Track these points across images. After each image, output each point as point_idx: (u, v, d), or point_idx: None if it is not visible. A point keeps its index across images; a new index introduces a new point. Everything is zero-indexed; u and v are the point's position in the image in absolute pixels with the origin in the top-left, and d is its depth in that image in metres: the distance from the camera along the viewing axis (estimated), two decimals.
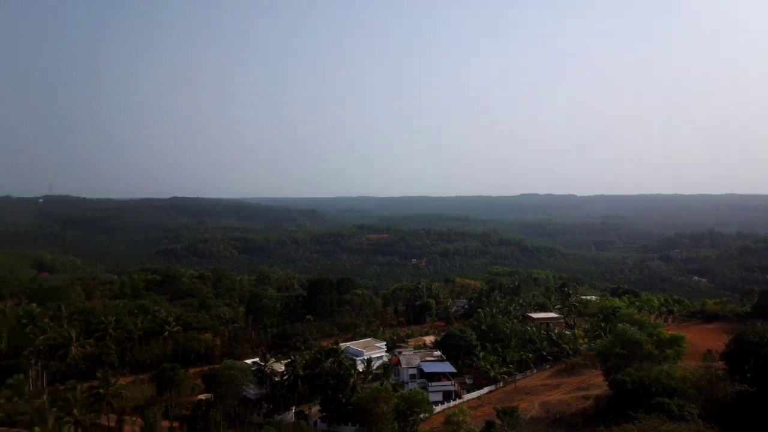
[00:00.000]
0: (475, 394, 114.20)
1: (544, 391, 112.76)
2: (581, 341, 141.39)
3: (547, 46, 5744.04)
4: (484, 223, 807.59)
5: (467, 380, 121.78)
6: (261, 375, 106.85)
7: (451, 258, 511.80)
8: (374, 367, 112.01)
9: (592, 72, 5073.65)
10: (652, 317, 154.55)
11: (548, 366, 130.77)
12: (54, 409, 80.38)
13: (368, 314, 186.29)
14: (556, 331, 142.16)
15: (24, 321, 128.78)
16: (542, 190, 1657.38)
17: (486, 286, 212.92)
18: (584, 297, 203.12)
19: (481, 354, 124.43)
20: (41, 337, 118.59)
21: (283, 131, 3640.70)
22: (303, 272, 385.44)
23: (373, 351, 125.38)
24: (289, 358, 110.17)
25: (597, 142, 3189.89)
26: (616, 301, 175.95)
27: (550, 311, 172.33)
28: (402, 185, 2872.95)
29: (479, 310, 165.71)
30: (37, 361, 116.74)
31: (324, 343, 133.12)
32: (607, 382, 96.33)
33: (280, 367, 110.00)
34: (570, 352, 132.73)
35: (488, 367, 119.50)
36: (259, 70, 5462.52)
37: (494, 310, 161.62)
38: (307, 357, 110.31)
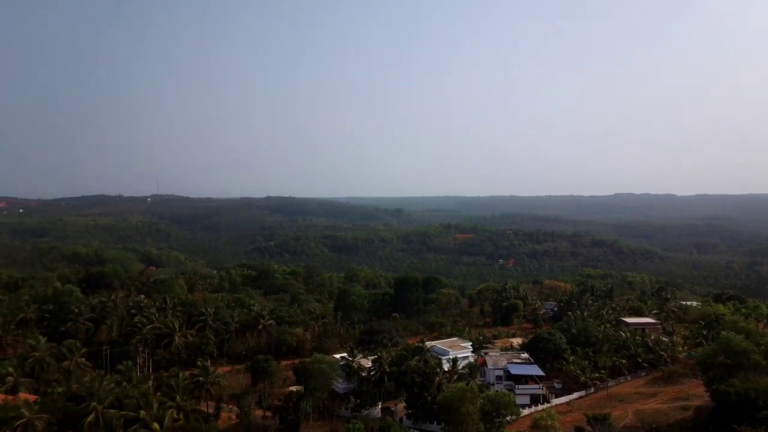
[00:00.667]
0: (564, 399, 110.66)
1: (638, 400, 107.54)
2: (680, 349, 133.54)
3: (653, 38, 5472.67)
4: (575, 224, 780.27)
5: (556, 384, 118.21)
6: (349, 370, 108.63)
7: (540, 259, 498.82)
8: (460, 367, 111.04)
9: (694, 64, 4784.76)
10: (760, 325, 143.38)
11: (643, 373, 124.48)
12: (158, 394, 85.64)
13: (454, 314, 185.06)
14: (652, 337, 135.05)
15: (133, 311, 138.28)
16: (638, 189, 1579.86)
17: (577, 289, 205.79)
18: (684, 302, 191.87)
19: (571, 358, 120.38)
20: (148, 327, 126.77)
21: (371, 133, 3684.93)
22: (390, 270, 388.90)
23: (458, 351, 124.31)
24: (376, 354, 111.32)
25: (699, 138, 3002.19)
26: (720, 308, 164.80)
27: (646, 316, 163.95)
28: (489, 185, 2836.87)
29: (569, 313, 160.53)
30: (144, 349, 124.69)
31: (410, 341, 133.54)
32: (708, 393, 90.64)
33: (367, 362, 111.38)
34: (667, 359, 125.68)
35: (578, 372, 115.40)
36: (358, 71, 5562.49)
37: (585, 314, 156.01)
38: (394, 354, 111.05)
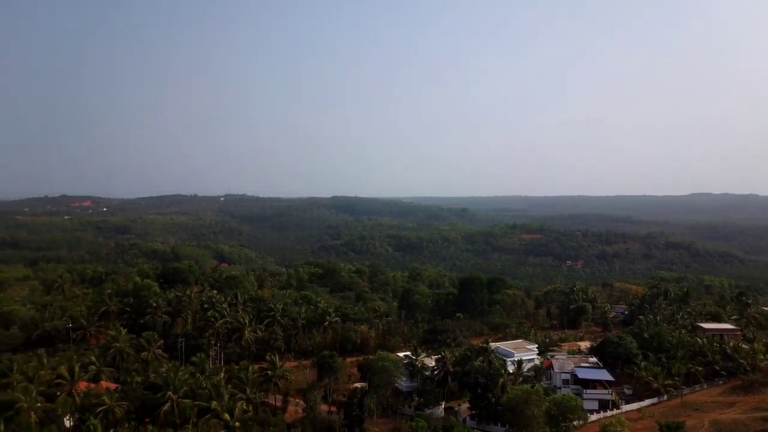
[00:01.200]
0: (634, 406, 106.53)
1: (715, 409, 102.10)
2: (761, 357, 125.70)
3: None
4: (648, 225, 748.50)
5: (626, 390, 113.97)
6: (412, 368, 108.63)
7: (610, 261, 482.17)
8: (525, 369, 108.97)
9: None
10: None
11: (720, 382, 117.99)
12: (229, 387, 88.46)
13: (519, 315, 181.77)
14: (731, 344, 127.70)
15: (206, 306, 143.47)
16: (717, 189, 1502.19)
17: (649, 292, 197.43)
18: (767, 308, 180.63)
19: (642, 364, 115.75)
20: (220, 321, 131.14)
21: (437, 133, 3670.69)
22: (454, 270, 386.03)
23: (523, 353, 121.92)
24: (440, 353, 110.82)
25: None
26: None
27: (725, 322, 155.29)
28: (558, 185, 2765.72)
29: (641, 317, 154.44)
30: (216, 342, 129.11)
31: (474, 342, 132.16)
32: None
33: (430, 362, 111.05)
34: (747, 368, 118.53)
35: (650, 378, 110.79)
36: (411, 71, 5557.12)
37: (658, 318, 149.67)
38: (457, 354, 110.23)
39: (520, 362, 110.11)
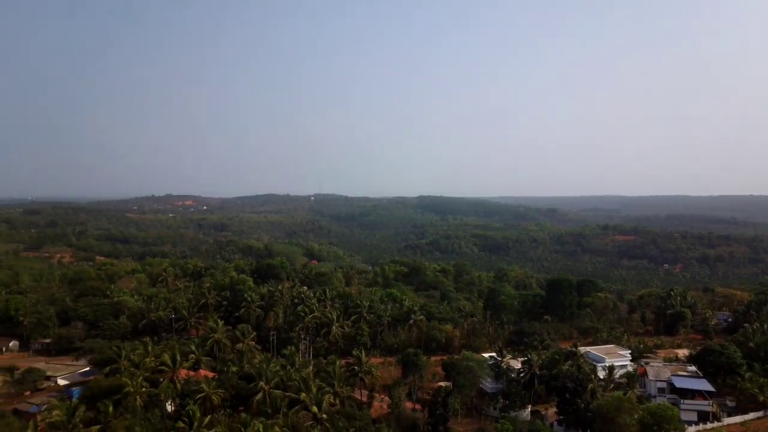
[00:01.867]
0: (738, 419, 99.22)
1: None
2: None
3: None
4: (756, 226, 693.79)
5: (728, 402, 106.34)
6: (498, 370, 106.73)
7: (712, 265, 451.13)
8: (617, 376, 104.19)
9: None
10: None
11: None
12: (317, 380, 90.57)
13: (611, 320, 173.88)
14: None
15: (296, 301, 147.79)
16: None
17: (756, 299, 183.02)
18: None
19: (747, 375, 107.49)
20: (310, 316, 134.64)
21: (523, 131, 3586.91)
22: (541, 271, 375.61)
23: (615, 358, 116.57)
24: (526, 356, 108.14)
25: None
26: None
27: None
28: (654, 183, 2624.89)
29: (746, 324, 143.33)
30: (306, 336, 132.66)
31: (562, 345, 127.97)
32: None
33: (516, 364, 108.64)
34: None
35: (756, 390, 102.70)
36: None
37: (765, 326, 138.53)
38: (545, 357, 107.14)
39: (611, 368, 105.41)
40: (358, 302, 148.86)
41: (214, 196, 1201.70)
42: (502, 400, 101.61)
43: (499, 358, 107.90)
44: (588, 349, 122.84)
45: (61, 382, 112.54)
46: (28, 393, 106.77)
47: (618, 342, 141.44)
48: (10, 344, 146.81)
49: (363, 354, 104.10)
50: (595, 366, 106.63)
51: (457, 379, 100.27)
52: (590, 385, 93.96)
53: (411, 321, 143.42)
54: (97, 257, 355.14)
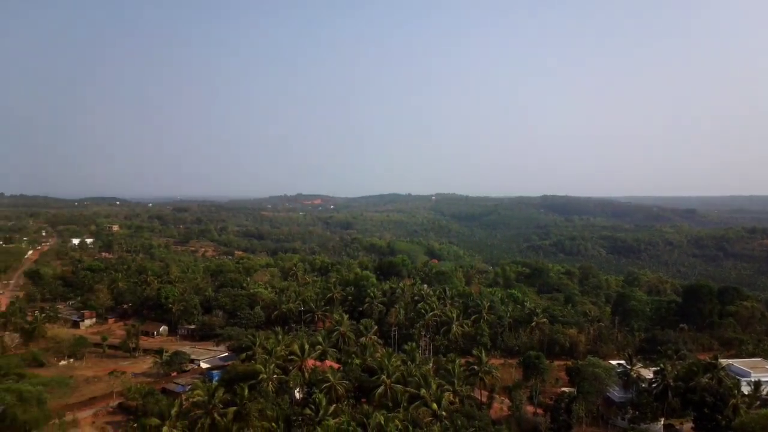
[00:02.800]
0: None
1: None
2: None
3: None
4: None
5: None
6: (626, 378, 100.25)
7: None
8: (764, 392, 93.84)
9: None
10: None
11: None
12: (437, 378, 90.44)
13: (758, 331, 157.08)
14: None
15: (417, 298, 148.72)
16: None
17: None
18: None
19: None
20: (430, 314, 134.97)
21: (659, 125, 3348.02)
22: (677, 277, 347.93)
23: (762, 373, 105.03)
24: (658, 365, 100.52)
25: None
26: None
27: None
28: None
29: None
30: (426, 334, 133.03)
31: (700, 357, 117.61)
32: None
33: (647, 373, 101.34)
34: None
35: None
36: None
37: None
38: (680, 368, 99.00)
39: (757, 384, 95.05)
40: (479, 302, 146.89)
41: (340, 195, 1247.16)
42: (631, 410, 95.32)
43: (628, 366, 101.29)
44: (731, 361, 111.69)
45: (203, 365, 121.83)
46: (175, 374, 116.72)
47: (766, 356, 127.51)
48: (161, 329, 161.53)
49: (483, 354, 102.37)
50: (738, 380, 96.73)
51: (581, 385, 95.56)
52: (732, 401, 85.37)
53: (533, 323, 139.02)
54: (236, 252, 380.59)
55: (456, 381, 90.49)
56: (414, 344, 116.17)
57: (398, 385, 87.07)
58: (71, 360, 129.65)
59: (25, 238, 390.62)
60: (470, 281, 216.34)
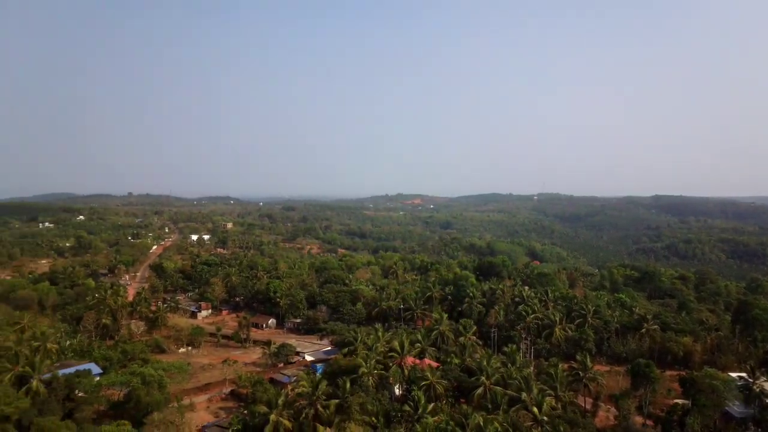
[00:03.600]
0: None
1: None
2: None
3: None
4: None
5: None
6: (748, 392, 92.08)
7: None
8: None
9: None
10: None
11: None
12: (538, 381, 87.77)
13: None
14: None
15: (517, 300, 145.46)
16: None
17: None
18: None
19: None
20: (531, 316, 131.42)
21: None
22: None
23: None
24: None
25: None
26: None
27: None
28: None
29: None
30: (527, 336, 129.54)
31: None
32: None
33: None
34: None
35: None
36: None
37: None
38: None
39: None
40: (583, 305, 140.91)
41: (440, 195, 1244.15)
42: (753, 427, 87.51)
43: (751, 380, 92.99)
44: None
45: (308, 357, 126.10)
46: (281, 365, 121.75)
47: None
48: (269, 321, 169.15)
49: (588, 359, 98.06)
50: None
51: (697, 397, 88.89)
52: None
53: (642, 329, 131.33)
54: (339, 249, 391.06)
55: (558, 386, 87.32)
56: (514, 346, 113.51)
57: (498, 387, 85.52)
58: (189, 348, 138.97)
59: (150, 234, 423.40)
60: (574, 284, 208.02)
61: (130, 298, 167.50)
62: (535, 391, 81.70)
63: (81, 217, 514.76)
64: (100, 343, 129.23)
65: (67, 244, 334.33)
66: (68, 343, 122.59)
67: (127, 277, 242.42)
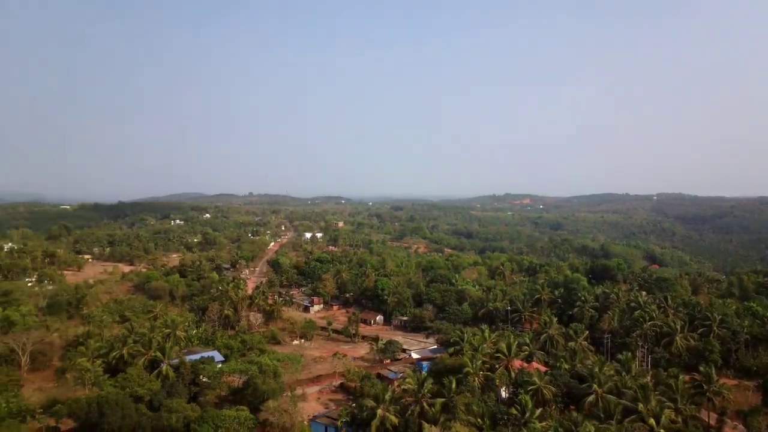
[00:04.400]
0: None
1: None
2: None
3: None
4: None
5: None
6: None
7: None
8: None
9: None
10: None
11: None
12: (656, 392, 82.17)
13: None
14: None
15: (633, 305, 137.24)
16: None
17: None
18: None
19: None
20: (648, 323, 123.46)
21: None
22: None
23: None
24: None
25: None
26: None
27: None
28: None
29: None
30: (644, 344, 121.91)
31: None
32: None
33: None
34: None
35: None
36: None
37: None
38: None
39: None
40: (708, 314, 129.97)
41: (550, 195, 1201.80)
42: None
43: None
44: None
45: (414, 355, 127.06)
46: (388, 361, 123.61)
47: None
48: (377, 318, 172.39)
49: (713, 371, 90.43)
50: None
51: None
52: None
53: None
54: (446, 249, 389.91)
55: (679, 398, 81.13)
56: (630, 354, 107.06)
57: (611, 396, 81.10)
58: (302, 340, 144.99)
59: (268, 232, 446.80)
60: (697, 290, 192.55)
61: (250, 292, 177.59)
62: (653, 402, 76.51)
63: (207, 215, 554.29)
64: (222, 332, 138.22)
65: (195, 240, 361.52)
66: (194, 331, 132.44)
67: (246, 271, 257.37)
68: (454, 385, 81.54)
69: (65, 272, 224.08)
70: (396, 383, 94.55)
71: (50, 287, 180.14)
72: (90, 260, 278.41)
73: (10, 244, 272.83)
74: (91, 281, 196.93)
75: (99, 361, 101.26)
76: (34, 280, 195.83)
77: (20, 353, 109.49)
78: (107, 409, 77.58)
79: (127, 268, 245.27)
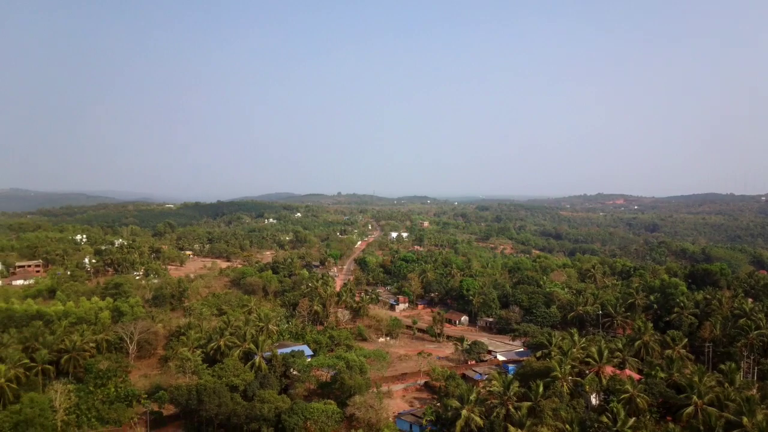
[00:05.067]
0: None
1: None
2: None
3: None
4: None
5: None
6: None
7: None
8: None
9: None
10: None
11: None
12: (763, 406, 76.09)
13: None
14: None
15: (737, 313, 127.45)
16: None
17: None
18: None
19: None
20: (755, 332, 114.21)
21: None
22: None
23: None
24: None
25: None
26: None
27: None
28: None
29: None
30: (749, 355, 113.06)
31: None
32: None
33: None
34: None
35: None
36: None
37: None
38: None
39: None
40: None
41: (645, 195, 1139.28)
42: None
43: None
44: None
45: (500, 357, 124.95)
46: (473, 362, 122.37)
47: None
48: (462, 318, 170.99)
49: None
50: None
51: None
52: None
53: None
54: (533, 250, 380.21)
55: None
56: (733, 365, 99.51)
57: (712, 408, 75.88)
58: (388, 338, 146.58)
59: (355, 231, 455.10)
60: None
61: (338, 289, 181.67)
62: (759, 416, 70.74)
63: (298, 214, 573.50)
64: (311, 327, 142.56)
65: (287, 238, 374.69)
66: (285, 325, 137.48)
67: (335, 269, 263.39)
68: (541, 389, 79.49)
69: (169, 267, 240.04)
70: (481, 384, 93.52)
71: (155, 281, 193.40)
72: (191, 256, 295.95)
73: (120, 240, 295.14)
74: (191, 276, 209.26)
75: (198, 351, 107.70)
76: (141, 273, 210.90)
77: (128, 341, 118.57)
78: (205, 397, 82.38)
79: (224, 264, 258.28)
